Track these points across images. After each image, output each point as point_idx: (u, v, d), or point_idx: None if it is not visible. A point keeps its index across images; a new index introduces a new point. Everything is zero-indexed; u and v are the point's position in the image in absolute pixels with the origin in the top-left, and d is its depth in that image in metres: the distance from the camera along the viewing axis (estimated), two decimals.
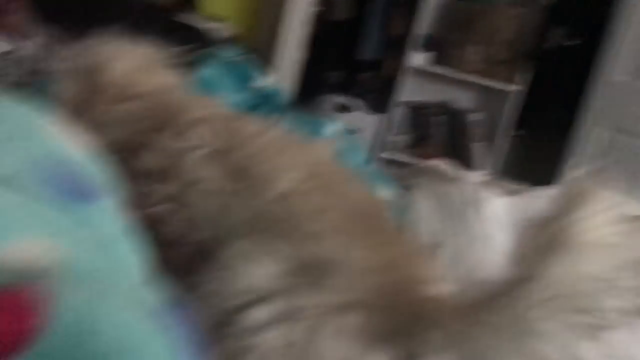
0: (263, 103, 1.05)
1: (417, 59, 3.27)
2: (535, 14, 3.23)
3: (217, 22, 2.22)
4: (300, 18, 2.72)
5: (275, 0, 2.83)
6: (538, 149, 3.56)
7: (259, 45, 2.82)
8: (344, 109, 3.09)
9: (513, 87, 3.24)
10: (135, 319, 0.28)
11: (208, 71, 1.01)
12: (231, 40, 2.36)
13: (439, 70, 3.29)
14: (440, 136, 3.37)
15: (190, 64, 1.15)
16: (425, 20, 3.27)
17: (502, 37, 3.21)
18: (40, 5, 1.70)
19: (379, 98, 3.24)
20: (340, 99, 3.12)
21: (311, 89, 2.90)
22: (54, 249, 0.31)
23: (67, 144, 0.41)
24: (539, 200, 1.22)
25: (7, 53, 1.55)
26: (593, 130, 2.87)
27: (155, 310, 0.31)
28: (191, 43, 1.62)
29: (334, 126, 0.97)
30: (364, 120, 3.15)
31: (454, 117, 3.42)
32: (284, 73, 2.66)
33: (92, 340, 0.26)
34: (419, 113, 3.43)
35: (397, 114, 3.35)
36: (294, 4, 2.67)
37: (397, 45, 3.22)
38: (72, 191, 0.37)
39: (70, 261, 0.32)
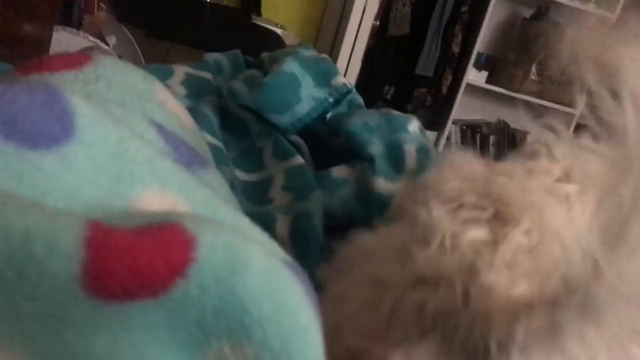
0: (343, 100, 1.06)
1: (475, 76, 3.26)
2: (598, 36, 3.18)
3: (279, 30, 2.27)
4: (360, 31, 2.75)
5: (336, 12, 2.87)
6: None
7: None
8: None
9: (570, 110, 3.19)
10: (276, 266, 0.28)
11: (290, 66, 1.03)
12: (298, 46, 2.41)
13: (495, 88, 3.27)
14: (494, 155, 3.33)
15: (270, 62, 1.19)
16: (484, 38, 3.26)
17: (562, 58, 3.17)
18: (121, 5, 1.78)
19: (434, 114, 3.23)
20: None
21: (368, 103, 2.91)
22: (184, 201, 0.32)
23: (177, 113, 0.42)
24: None
25: (90, 49, 1.62)
26: None
27: (290, 262, 0.31)
28: (266, 44, 1.66)
29: (416, 122, 0.98)
30: None
31: (508, 137, 3.39)
32: None
33: (237, 281, 0.26)
34: (474, 131, 3.40)
35: (452, 131, 3.34)
36: (354, 16, 2.71)
37: (454, 62, 3.21)
38: (187, 155, 0.38)
39: (194, 211, 0.33)
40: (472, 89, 3.26)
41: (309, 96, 1.02)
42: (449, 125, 3.26)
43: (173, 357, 0.26)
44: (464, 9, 3.19)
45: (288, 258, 0.31)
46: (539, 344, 0.37)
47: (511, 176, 0.57)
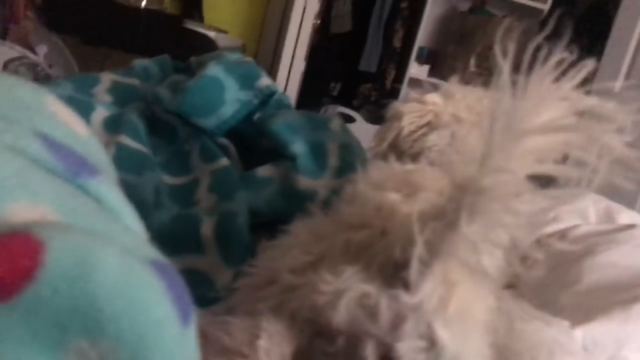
0: (270, 101, 1.08)
1: (417, 70, 3.33)
2: (531, 28, 3.29)
3: (221, 33, 2.27)
4: (301, 30, 2.77)
5: (278, 12, 2.89)
6: None
7: (262, 57, 2.87)
8: (346, 119, 3.14)
9: None
10: (130, 264, 0.30)
11: (213, 70, 1.04)
12: (235, 50, 2.41)
13: (437, 81, 3.34)
14: None
15: (198, 66, 1.20)
16: (424, 33, 3.33)
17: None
18: (50, 13, 1.75)
19: (380, 109, 3.27)
20: (342, 110, 3.17)
21: (313, 100, 2.95)
22: (55, 211, 0.33)
23: (69, 123, 0.42)
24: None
25: (18, 59, 1.60)
26: None
27: (155, 261, 0.32)
28: (199, 49, 1.67)
29: (337, 121, 1.01)
30: (365, 131, 3.18)
31: None
32: (286, 84, 2.71)
33: (88, 281, 0.28)
34: None
35: None
36: (295, 16, 2.73)
37: (397, 57, 3.27)
38: (75, 164, 0.38)
39: (66, 220, 0.34)
40: (415, 82, 3.33)
41: (233, 99, 1.03)
42: None
43: (34, 355, 0.28)
44: (404, 4, 3.25)
45: (155, 257, 0.33)
46: (435, 254, 0.44)
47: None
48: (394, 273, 0.46)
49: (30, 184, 0.33)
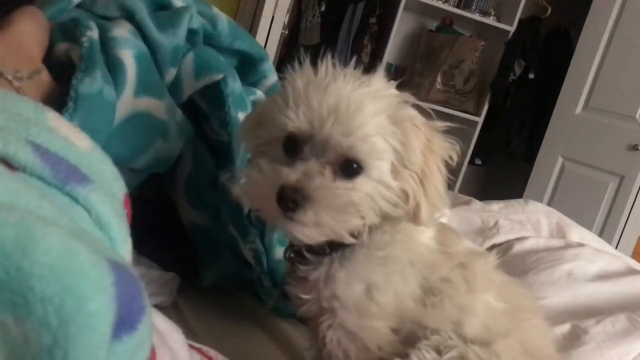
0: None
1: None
2: (497, 48, 3.36)
3: None
4: (268, 41, 2.75)
5: (246, 20, 2.87)
6: (495, 178, 3.66)
7: None
8: None
9: (473, 117, 3.34)
10: (72, 252, 0.29)
11: None
12: None
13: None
14: None
15: None
16: (392, 49, 3.36)
17: (465, 68, 3.32)
18: None
19: None
20: None
21: None
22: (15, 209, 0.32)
23: (68, 137, 0.44)
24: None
25: None
26: (547, 159, 2.97)
27: (112, 260, 0.31)
28: None
29: (258, 94, 0.96)
30: None
31: None
32: None
33: (24, 258, 0.27)
34: None
35: None
36: (264, 25, 2.71)
37: (364, 73, 3.28)
38: (63, 172, 0.40)
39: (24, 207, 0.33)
40: None
41: None
42: None
43: None
44: (372, 20, 3.28)
45: (117, 258, 0.32)
46: None
47: None
48: None
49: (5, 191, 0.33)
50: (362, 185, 0.55)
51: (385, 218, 0.58)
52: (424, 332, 0.57)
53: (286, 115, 0.54)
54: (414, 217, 0.58)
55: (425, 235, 0.61)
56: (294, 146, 0.56)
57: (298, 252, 0.61)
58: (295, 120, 0.54)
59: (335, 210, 0.53)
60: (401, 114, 0.57)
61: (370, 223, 0.56)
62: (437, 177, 0.58)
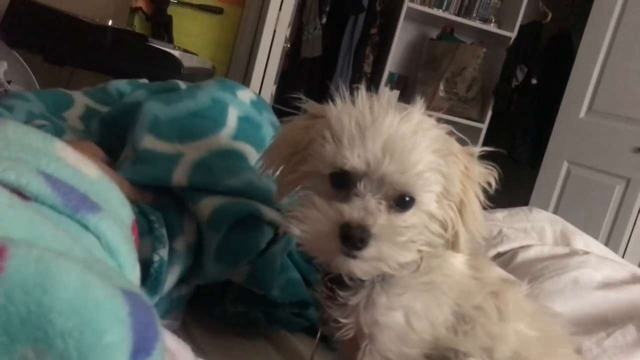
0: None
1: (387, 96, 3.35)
2: (499, 55, 3.37)
3: (188, 53, 2.26)
4: (271, 54, 2.77)
5: (248, 35, 2.89)
6: (500, 185, 3.64)
7: (232, 80, 2.86)
8: None
9: (477, 124, 3.34)
10: (90, 286, 0.30)
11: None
12: (205, 72, 2.40)
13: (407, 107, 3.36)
14: None
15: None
16: (394, 58, 3.37)
17: (467, 75, 3.32)
18: (12, 30, 1.71)
19: None
20: None
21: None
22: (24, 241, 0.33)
23: (76, 165, 0.46)
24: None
25: None
26: (552, 164, 2.96)
27: (128, 291, 0.32)
28: (163, 67, 1.65)
29: (247, 91, 0.98)
30: None
31: None
32: None
33: (44, 294, 0.28)
34: None
35: None
36: (266, 39, 2.73)
37: (367, 83, 3.29)
38: (74, 200, 0.41)
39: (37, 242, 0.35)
40: None
41: None
42: None
43: None
44: (373, 30, 3.29)
45: (130, 287, 0.33)
46: None
47: None
48: None
49: (14, 222, 0.34)
50: (413, 218, 0.55)
51: (428, 246, 0.58)
52: (455, 354, 0.58)
53: (342, 155, 0.54)
54: (453, 245, 0.58)
55: (458, 260, 0.62)
56: (345, 181, 0.55)
57: (335, 279, 0.61)
58: (352, 160, 0.54)
59: (398, 246, 0.53)
60: (446, 147, 0.57)
61: (422, 255, 0.57)
62: (475, 205, 0.58)
